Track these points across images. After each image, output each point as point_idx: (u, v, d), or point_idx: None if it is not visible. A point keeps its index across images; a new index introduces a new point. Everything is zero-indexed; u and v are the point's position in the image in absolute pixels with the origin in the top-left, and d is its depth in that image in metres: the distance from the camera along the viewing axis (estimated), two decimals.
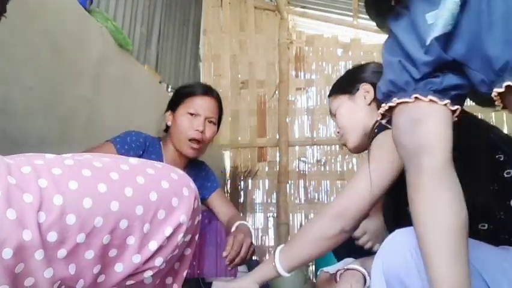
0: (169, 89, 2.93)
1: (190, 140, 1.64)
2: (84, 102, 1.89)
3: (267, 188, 4.16)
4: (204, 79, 4.24)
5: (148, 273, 0.69)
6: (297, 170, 4.13)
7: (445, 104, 0.83)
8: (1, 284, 0.55)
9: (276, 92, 4.23)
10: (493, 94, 0.76)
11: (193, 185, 0.76)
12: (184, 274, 0.81)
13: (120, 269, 0.66)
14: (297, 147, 4.18)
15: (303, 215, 4.04)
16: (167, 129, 1.77)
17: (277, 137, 4.16)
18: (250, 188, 4.13)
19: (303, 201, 4.05)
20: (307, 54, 4.33)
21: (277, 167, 4.10)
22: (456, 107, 0.85)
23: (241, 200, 4.06)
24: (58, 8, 1.74)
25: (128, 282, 0.69)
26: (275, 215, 4.05)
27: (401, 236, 0.91)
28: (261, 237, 4.07)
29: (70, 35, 1.81)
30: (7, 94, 1.49)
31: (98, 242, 0.63)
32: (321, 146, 4.14)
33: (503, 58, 0.72)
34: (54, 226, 0.59)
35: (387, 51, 0.90)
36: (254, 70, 4.33)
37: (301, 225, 4.03)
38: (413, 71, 0.83)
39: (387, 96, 0.88)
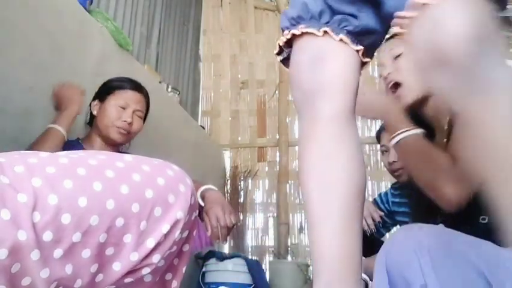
0: (169, 89, 2.93)
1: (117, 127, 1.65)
2: (84, 102, 1.89)
3: (267, 188, 4.15)
4: (204, 79, 4.25)
5: (146, 270, 0.69)
6: (297, 170, 4.11)
7: (357, 51, 0.70)
8: None
9: (276, 92, 4.23)
10: None
11: (189, 181, 0.76)
12: (184, 270, 0.80)
13: (118, 267, 0.66)
14: (297, 147, 4.16)
15: (303, 215, 4.04)
16: (91, 121, 1.75)
17: (277, 137, 4.16)
18: (250, 188, 4.13)
19: (303, 201, 4.04)
20: None
21: (277, 167, 4.10)
22: (366, 59, 0.72)
23: (241, 200, 4.06)
24: (58, 8, 1.74)
25: (127, 280, 0.69)
26: (275, 215, 4.05)
27: (405, 232, 0.91)
28: (261, 237, 4.07)
29: (70, 34, 1.81)
30: (7, 94, 1.49)
31: (94, 240, 0.62)
32: None
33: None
34: (50, 226, 0.58)
35: None
36: (254, 70, 4.33)
37: (301, 225, 4.03)
38: None
39: (293, 24, 0.72)
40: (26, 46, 1.56)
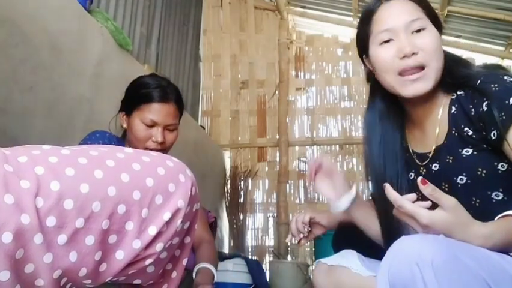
0: None
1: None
2: (84, 102, 1.89)
3: (267, 188, 4.16)
4: (204, 79, 4.24)
5: (149, 261, 0.70)
6: (297, 170, 4.13)
7: None
8: (2, 269, 0.56)
9: (276, 92, 4.23)
10: None
11: (189, 172, 0.77)
12: (185, 262, 0.81)
13: (121, 256, 0.67)
14: (297, 147, 4.18)
15: None
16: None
17: (277, 137, 4.16)
18: (250, 188, 4.13)
19: (303, 201, 4.05)
20: (307, 54, 4.33)
21: (277, 167, 4.10)
22: None
23: (241, 200, 4.06)
24: (58, 8, 1.74)
25: (131, 271, 0.70)
26: (275, 215, 4.05)
27: (407, 243, 0.89)
28: (261, 237, 4.07)
29: (70, 35, 1.81)
30: (7, 94, 1.49)
31: (97, 227, 0.63)
32: (321, 146, 4.14)
33: None
34: (53, 211, 0.60)
35: None
36: (254, 70, 4.33)
37: None
38: None
39: None
40: (26, 46, 1.56)
